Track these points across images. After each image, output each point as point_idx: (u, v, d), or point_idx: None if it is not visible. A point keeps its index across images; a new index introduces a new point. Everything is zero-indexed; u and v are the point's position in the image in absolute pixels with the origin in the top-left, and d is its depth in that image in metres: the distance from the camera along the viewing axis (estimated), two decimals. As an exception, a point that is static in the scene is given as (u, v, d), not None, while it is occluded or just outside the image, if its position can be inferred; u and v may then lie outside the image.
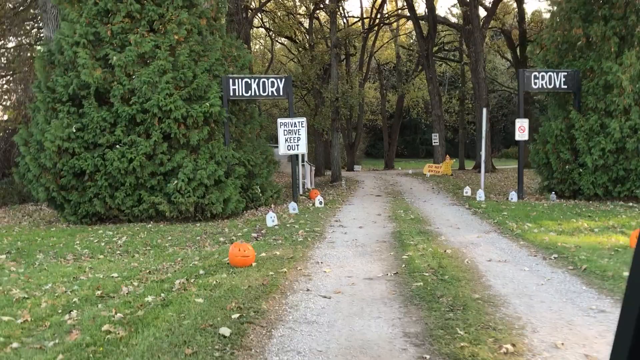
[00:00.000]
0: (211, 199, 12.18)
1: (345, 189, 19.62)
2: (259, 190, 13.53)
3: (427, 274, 6.36)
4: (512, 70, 44.76)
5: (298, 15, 33.01)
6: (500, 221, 10.47)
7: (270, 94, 13.66)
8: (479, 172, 30.67)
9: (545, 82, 13.95)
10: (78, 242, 10.16)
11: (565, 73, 13.98)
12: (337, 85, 23.36)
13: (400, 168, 41.78)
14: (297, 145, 13.65)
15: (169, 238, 10.20)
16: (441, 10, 75.59)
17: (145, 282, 6.72)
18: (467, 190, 15.41)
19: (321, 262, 7.22)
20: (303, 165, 16.40)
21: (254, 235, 9.79)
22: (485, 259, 7.36)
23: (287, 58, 39.41)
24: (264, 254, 7.64)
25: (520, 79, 14.00)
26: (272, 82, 13.63)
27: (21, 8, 20.14)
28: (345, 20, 35.74)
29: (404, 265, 6.89)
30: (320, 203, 13.44)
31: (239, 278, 6.31)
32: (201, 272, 6.81)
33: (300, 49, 30.45)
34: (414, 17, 29.33)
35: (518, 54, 35.05)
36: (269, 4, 31.97)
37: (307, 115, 30.70)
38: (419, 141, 59.64)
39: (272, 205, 13.54)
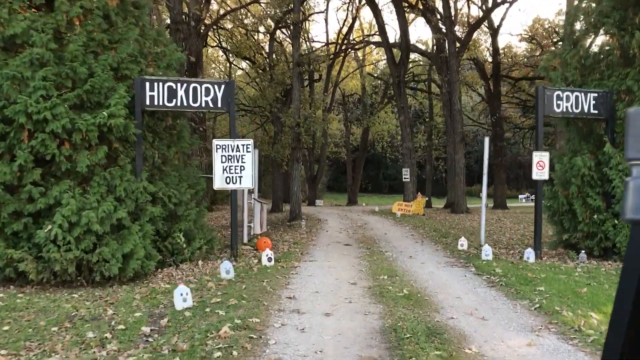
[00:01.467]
0: (104, 253, 7.82)
1: (305, 232, 15.45)
2: (182, 240, 9.21)
3: None
4: (480, 106, 41.94)
5: (259, 35, 29.23)
6: (544, 306, 6.44)
7: (204, 104, 9.48)
8: (452, 212, 26.82)
9: (571, 105, 10.22)
10: None
11: (596, 94, 10.31)
12: (299, 109, 19.37)
13: (364, 204, 37.95)
14: (240, 177, 9.46)
15: (6, 328, 5.81)
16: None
17: None
18: (463, 243, 11.43)
19: None
20: (250, 204, 12.11)
21: (146, 330, 5.50)
22: None
23: (244, 83, 35.47)
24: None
25: (540, 99, 10.21)
26: (207, 89, 9.48)
27: None
28: (308, 44, 32.14)
29: None
30: (270, 260, 9.16)
31: None
32: None
33: (259, 70, 26.48)
34: (386, 41, 25.83)
35: (491, 87, 32.05)
36: (226, 21, 28.08)
37: (266, 144, 26.62)
38: (382, 176, 56.22)
39: (200, 263, 9.20)
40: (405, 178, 25.30)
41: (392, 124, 40.89)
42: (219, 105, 9.50)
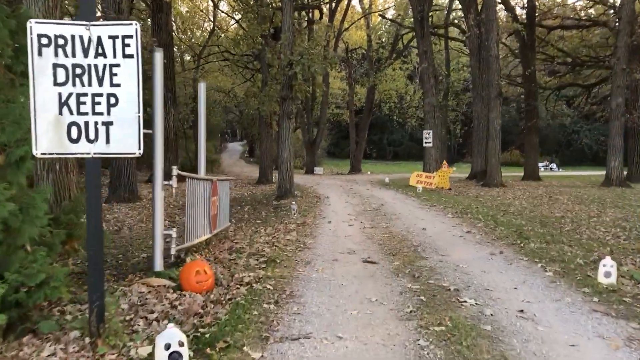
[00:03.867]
0: None
1: (295, 225, 9.51)
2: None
3: None
4: (509, 59, 35.14)
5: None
6: None
7: None
8: (483, 185, 20.28)
9: None
10: None
11: None
12: (290, 41, 13.14)
13: (369, 172, 31.91)
14: (107, 125, 3.40)
15: None
16: None
17: None
18: (609, 271, 5.39)
19: None
20: (170, 187, 5.84)
21: None
22: None
23: (227, 30, 29.02)
24: None
25: None
26: None
27: None
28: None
29: None
30: (179, 357, 3.14)
31: None
32: None
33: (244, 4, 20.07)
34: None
35: (525, 36, 25.62)
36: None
37: (252, 97, 20.35)
38: (386, 141, 50.04)
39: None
40: (426, 142, 19.20)
41: (401, 82, 34.55)
42: None
